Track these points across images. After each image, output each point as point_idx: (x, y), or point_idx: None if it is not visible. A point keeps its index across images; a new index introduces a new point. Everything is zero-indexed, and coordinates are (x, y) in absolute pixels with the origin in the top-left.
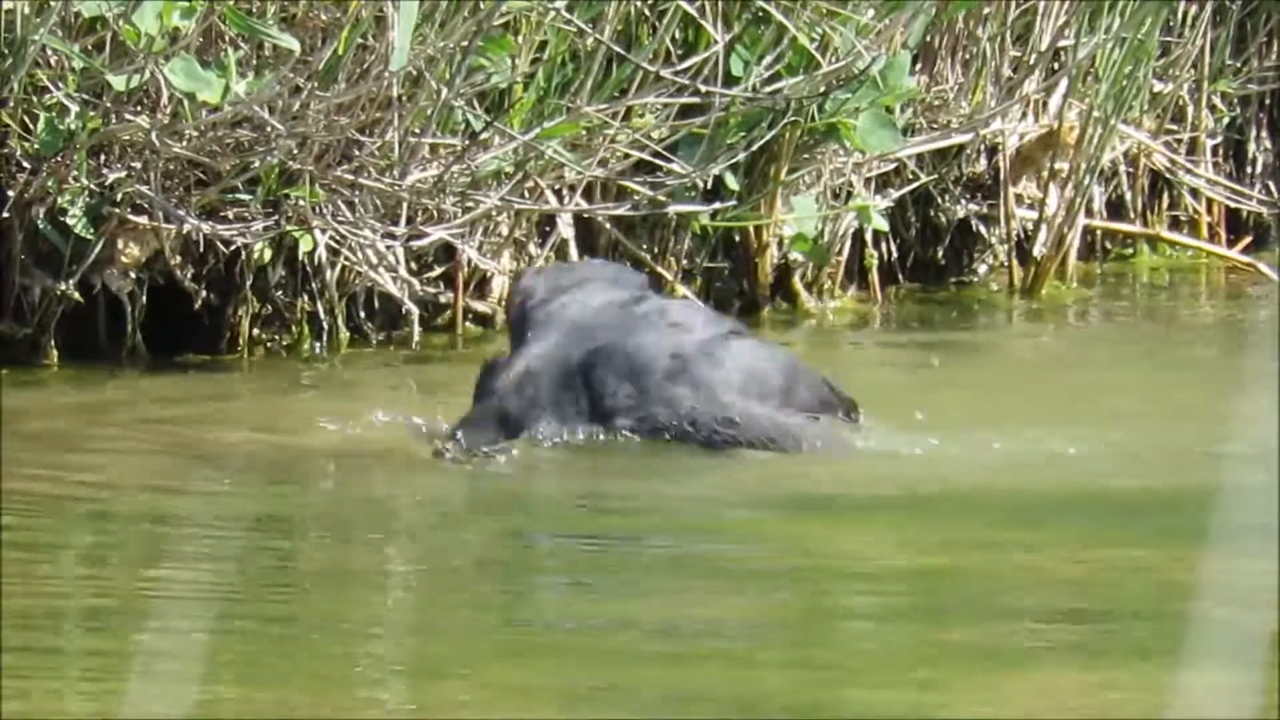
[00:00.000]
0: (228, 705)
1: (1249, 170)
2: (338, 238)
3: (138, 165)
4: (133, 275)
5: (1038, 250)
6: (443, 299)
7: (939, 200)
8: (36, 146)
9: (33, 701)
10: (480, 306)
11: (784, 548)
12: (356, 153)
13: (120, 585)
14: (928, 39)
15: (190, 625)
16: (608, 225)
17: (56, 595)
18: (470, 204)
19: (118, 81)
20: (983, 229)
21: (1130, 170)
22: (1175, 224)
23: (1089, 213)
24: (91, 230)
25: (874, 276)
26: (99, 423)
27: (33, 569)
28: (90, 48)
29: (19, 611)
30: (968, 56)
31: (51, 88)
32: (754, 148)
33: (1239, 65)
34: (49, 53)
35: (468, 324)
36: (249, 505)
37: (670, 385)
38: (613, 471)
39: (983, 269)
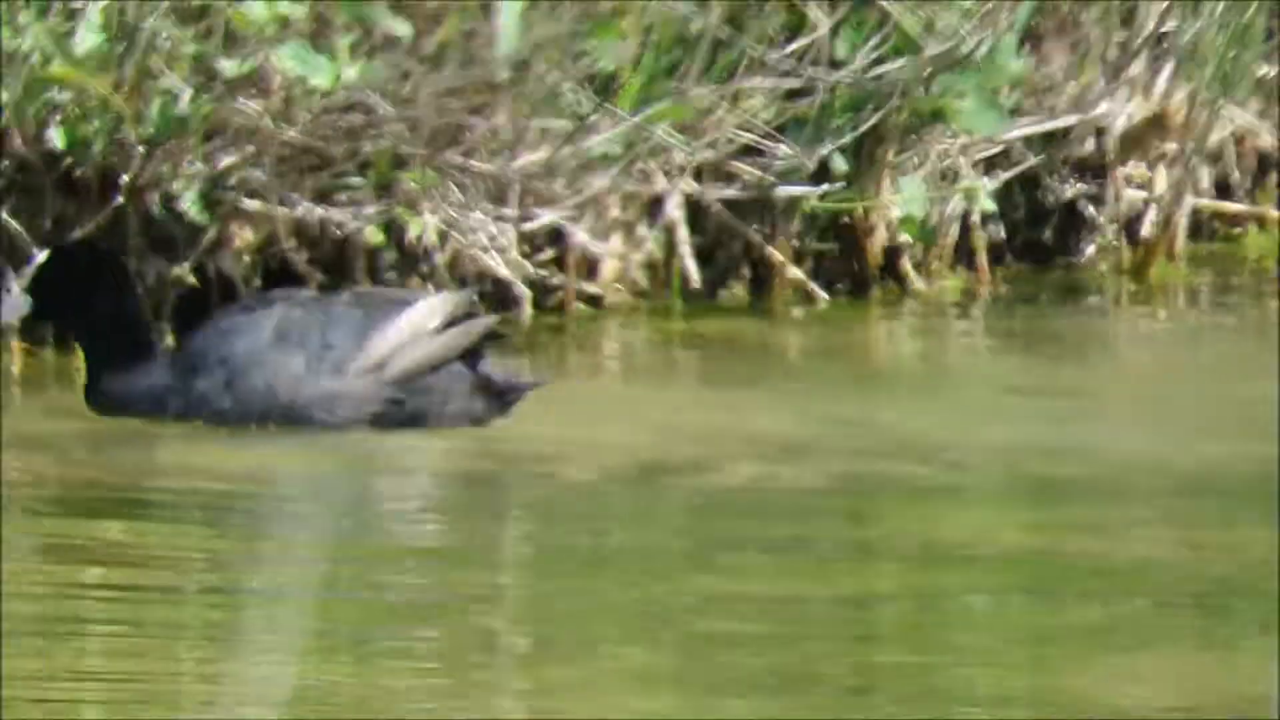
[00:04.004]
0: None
1: None
2: (448, 221)
3: (250, 150)
4: (246, 259)
5: (1146, 231)
6: (553, 281)
7: (1046, 182)
8: (150, 132)
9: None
10: (590, 288)
11: (893, 530)
12: (466, 136)
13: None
14: (1034, 22)
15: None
16: (716, 207)
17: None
18: (580, 186)
19: (229, 67)
20: (1090, 210)
21: (1237, 151)
22: None
23: (1196, 193)
24: (206, 215)
25: (981, 257)
26: None
27: (156, 550)
28: (202, 33)
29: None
30: (1074, 39)
31: (164, 73)
32: (861, 130)
33: None
34: (161, 38)
35: (578, 305)
36: (371, 486)
37: None
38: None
39: (1090, 250)
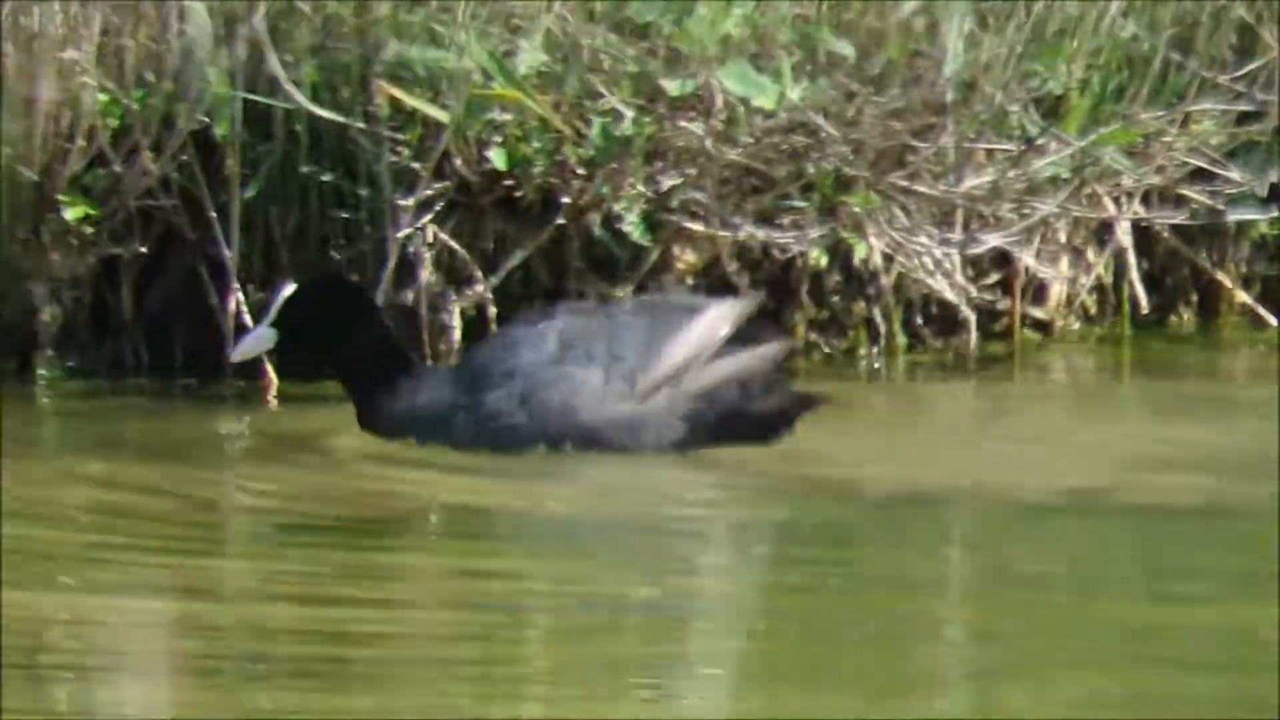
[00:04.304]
0: (787, 710)
1: None
2: (893, 244)
3: (692, 172)
4: (689, 281)
5: None
6: (1000, 306)
7: None
8: (591, 153)
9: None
10: (1037, 313)
11: None
12: (911, 159)
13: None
14: None
15: (741, 629)
16: (1166, 233)
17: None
18: (1026, 210)
19: (672, 87)
20: None
21: None
22: None
23: None
24: (648, 236)
25: None
26: None
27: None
28: (644, 53)
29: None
30: None
31: (605, 93)
32: None
33: None
34: (603, 58)
35: (1025, 331)
36: (808, 511)
37: None
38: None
39: None
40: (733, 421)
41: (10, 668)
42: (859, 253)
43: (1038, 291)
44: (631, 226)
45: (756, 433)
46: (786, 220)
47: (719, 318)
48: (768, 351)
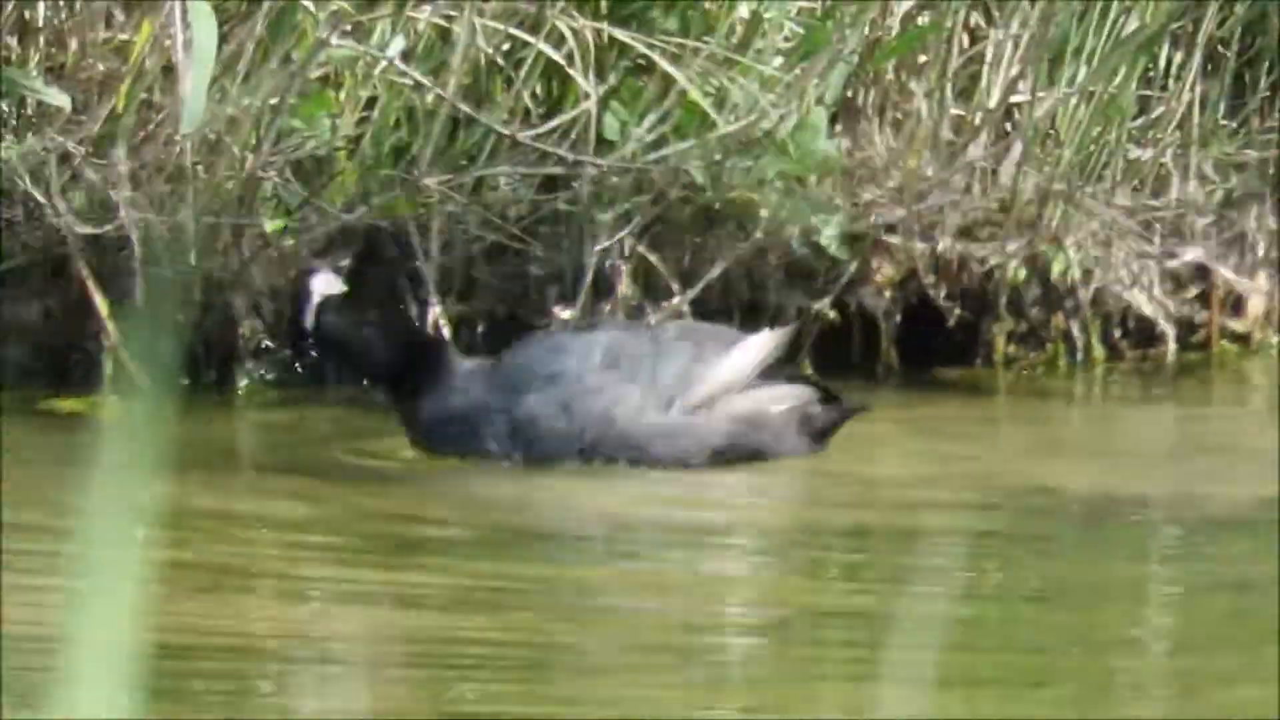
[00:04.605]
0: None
1: None
2: (1092, 257)
3: (890, 185)
4: (887, 294)
5: None
6: (1198, 318)
7: None
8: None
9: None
10: (1236, 326)
11: None
12: (1109, 171)
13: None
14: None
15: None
16: None
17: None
18: (1225, 223)
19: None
20: None
21: None
22: None
23: None
24: (845, 250)
25: None
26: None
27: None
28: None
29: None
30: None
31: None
32: None
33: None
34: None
35: (1224, 343)
36: (1004, 519)
37: None
38: None
39: None
40: (767, 439)
41: (210, 678)
42: (1057, 266)
43: (1236, 304)
44: (828, 240)
45: (791, 450)
46: (984, 233)
47: (754, 350)
48: (791, 394)
